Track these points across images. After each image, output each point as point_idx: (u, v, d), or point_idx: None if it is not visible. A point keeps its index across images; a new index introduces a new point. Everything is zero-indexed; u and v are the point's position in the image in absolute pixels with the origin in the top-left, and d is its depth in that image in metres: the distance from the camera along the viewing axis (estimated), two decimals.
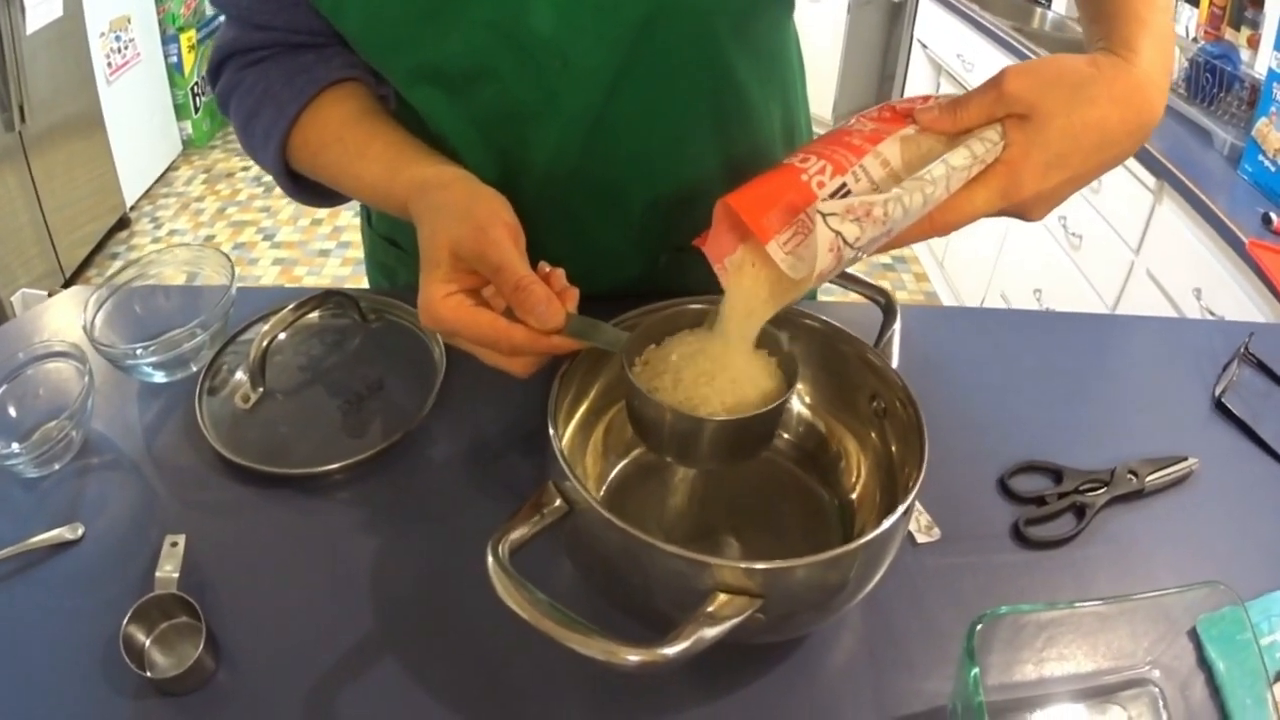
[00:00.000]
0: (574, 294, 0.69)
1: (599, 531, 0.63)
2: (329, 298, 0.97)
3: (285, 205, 4.06)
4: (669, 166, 0.90)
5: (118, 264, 0.91)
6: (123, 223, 3.82)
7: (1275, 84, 1.87)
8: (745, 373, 0.68)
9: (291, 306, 0.93)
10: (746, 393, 0.67)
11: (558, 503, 0.64)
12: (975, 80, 2.55)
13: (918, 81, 3.78)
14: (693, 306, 0.72)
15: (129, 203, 3.86)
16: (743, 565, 0.59)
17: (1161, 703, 0.69)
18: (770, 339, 0.70)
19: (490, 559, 0.59)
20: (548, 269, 0.70)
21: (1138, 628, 0.69)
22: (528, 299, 0.65)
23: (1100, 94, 0.63)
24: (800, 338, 0.74)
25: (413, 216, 0.74)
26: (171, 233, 3.88)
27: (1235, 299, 1.83)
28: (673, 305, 0.73)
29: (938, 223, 0.65)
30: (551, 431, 0.67)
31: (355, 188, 0.85)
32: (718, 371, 0.67)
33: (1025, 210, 0.67)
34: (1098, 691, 0.69)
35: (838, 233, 0.59)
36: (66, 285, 2.99)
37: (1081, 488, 0.85)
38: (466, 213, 0.69)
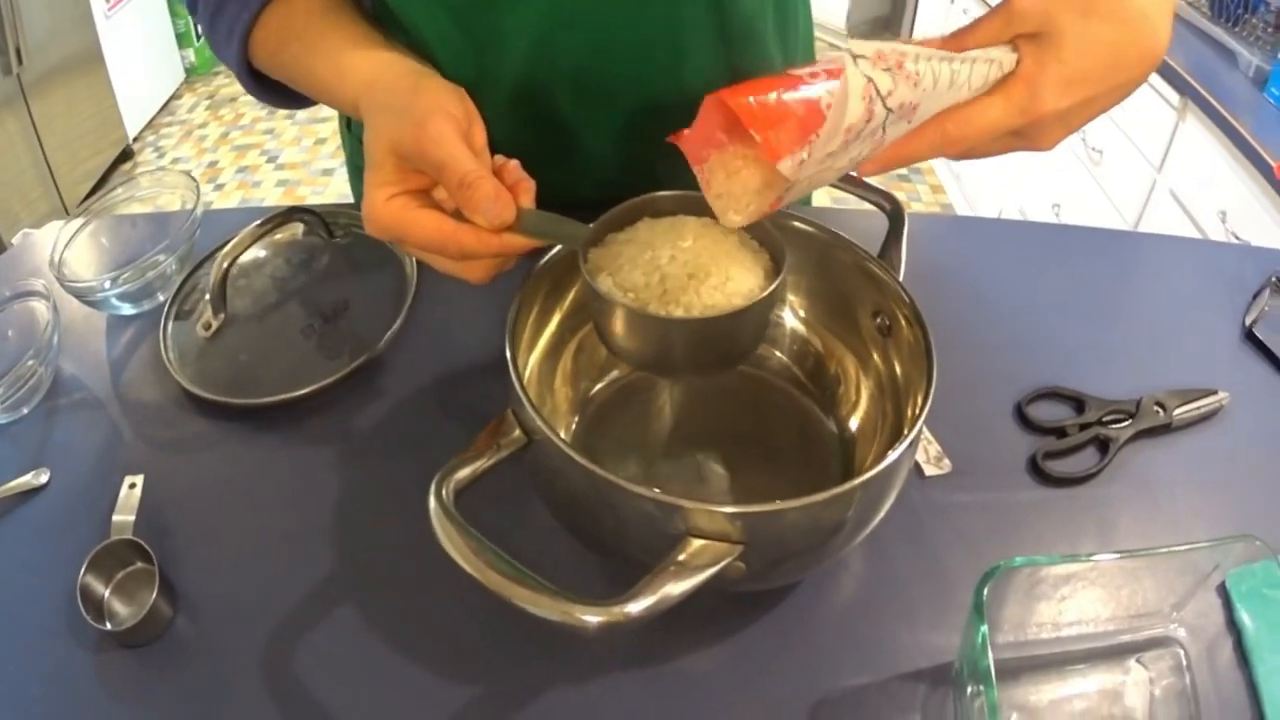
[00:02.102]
0: (529, 186, 0.62)
1: (560, 467, 0.55)
2: (292, 215, 0.91)
3: (289, 126, 3.96)
4: (662, 63, 0.81)
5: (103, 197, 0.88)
6: (126, 155, 3.72)
7: None
8: (726, 265, 0.59)
9: (253, 226, 0.86)
10: (727, 289, 0.59)
11: (516, 433, 0.57)
12: None
13: None
14: (665, 194, 0.63)
15: (131, 134, 3.76)
16: (719, 509, 0.51)
17: (1185, 663, 0.62)
18: (757, 226, 0.62)
19: (432, 501, 0.51)
20: (501, 160, 0.63)
21: (1163, 581, 0.62)
22: (473, 196, 0.58)
23: (1113, 12, 0.58)
24: (793, 245, 0.63)
25: (362, 117, 0.66)
26: (175, 160, 3.78)
27: (1262, 224, 1.75)
28: (644, 195, 0.64)
29: (950, 134, 0.58)
30: (509, 353, 0.59)
31: (311, 86, 0.77)
32: (696, 266, 0.59)
33: (1041, 131, 0.61)
34: (1118, 650, 0.63)
35: (870, 79, 0.52)
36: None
37: (1105, 419, 0.78)
38: (406, 108, 0.62)
